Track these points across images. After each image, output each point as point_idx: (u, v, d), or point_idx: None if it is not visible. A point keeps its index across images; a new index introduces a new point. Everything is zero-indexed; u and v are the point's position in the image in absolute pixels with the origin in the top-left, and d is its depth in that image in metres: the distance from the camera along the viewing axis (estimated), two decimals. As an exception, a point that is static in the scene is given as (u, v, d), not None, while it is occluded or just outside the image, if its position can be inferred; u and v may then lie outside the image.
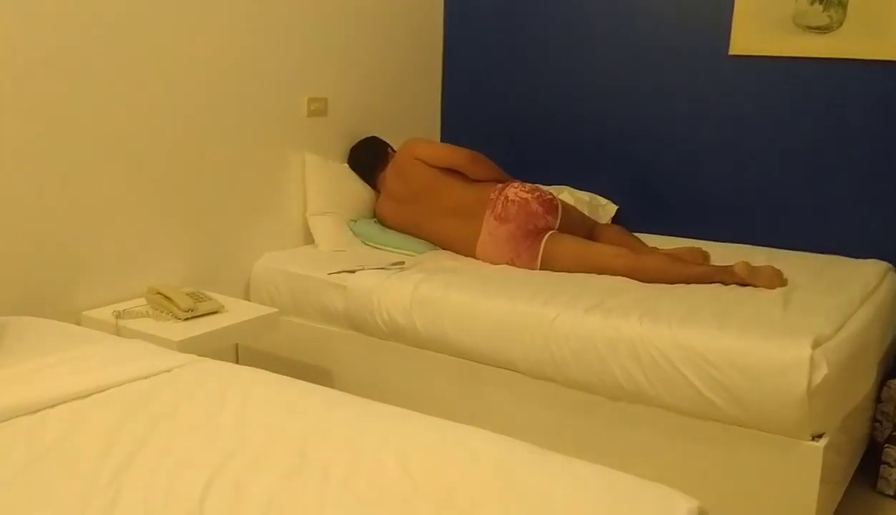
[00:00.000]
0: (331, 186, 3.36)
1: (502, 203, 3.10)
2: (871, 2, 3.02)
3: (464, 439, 1.60)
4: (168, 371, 1.92)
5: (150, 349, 2.07)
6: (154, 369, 1.92)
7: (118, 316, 2.52)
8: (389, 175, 3.39)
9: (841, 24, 3.08)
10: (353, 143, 3.53)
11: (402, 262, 3.02)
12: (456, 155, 3.29)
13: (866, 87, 3.11)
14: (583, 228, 3.21)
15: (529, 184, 3.23)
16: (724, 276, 2.80)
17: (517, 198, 3.10)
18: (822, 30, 3.12)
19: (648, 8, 3.52)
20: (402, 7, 3.76)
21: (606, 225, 3.40)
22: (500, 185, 3.19)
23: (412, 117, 3.92)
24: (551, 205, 3.13)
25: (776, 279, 2.78)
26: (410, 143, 3.38)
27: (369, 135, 3.57)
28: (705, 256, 3.09)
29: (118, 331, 2.47)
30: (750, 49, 3.28)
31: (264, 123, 3.13)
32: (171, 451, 1.55)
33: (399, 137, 3.55)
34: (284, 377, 1.90)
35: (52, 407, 1.73)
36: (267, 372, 1.93)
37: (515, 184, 3.19)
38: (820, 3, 3.09)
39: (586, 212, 3.47)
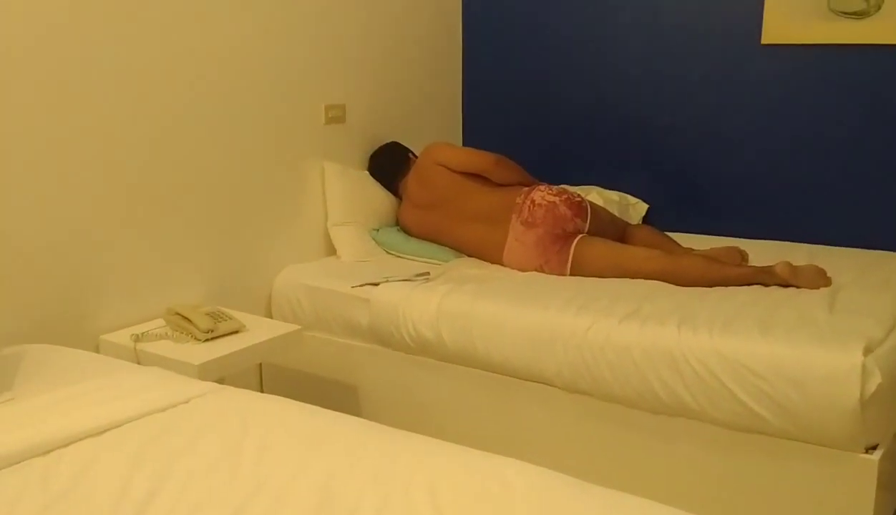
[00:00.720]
0: (352, 195, 3.27)
1: (529, 207, 3.00)
2: (911, -16, 2.89)
3: (498, 471, 1.50)
4: (186, 402, 1.84)
5: (167, 377, 1.99)
6: (172, 400, 1.84)
7: (137, 339, 2.45)
8: (411, 181, 3.29)
9: (879, 7, 2.94)
10: (373, 150, 3.44)
11: (427, 273, 2.92)
12: (479, 158, 3.19)
13: (907, 74, 2.98)
14: (613, 230, 3.10)
15: (556, 187, 3.13)
16: (765, 277, 2.68)
17: (544, 202, 3.00)
18: (859, 15, 2.98)
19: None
20: (419, 10, 3.66)
21: (638, 225, 3.29)
22: (526, 189, 3.09)
23: (433, 121, 3.82)
24: (580, 207, 3.02)
25: (820, 278, 2.66)
26: (432, 148, 3.28)
27: (390, 141, 3.47)
28: (743, 256, 2.96)
29: (137, 356, 2.40)
30: (783, 37, 3.15)
31: (281, 133, 3.05)
32: (189, 491, 1.47)
33: (420, 142, 3.45)
34: (307, 406, 1.81)
35: (66, 446, 1.65)
36: (288, 401, 1.84)
37: (542, 187, 3.09)
38: (857, -12, 2.96)
39: (616, 213, 3.36)
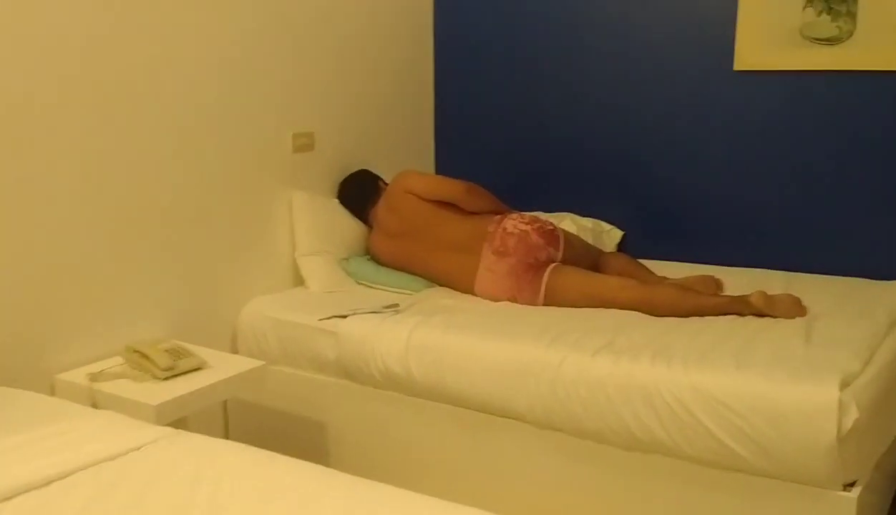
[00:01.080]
0: (320, 224, 3.20)
1: (500, 236, 2.94)
2: (881, 11, 2.87)
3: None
4: (138, 449, 1.75)
5: (120, 422, 1.91)
6: (123, 448, 1.76)
7: (93, 379, 2.35)
8: (382, 210, 3.23)
9: (851, 34, 2.92)
10: (343, 177, 3.37)
11: (397, 304, 2.85)
12: (450, 187, 3.13)
13: (881, 99, 2.95)
14: (588, 258, 3.05)
15: (528, 214, 3.08)
16: (740, 307, 2.63)
17: (516, 231, 2.94)
18: (832, 41, 2.96)
19: (647, 26, 3.36)
20: (390, 36, 3.61)
21: (613, 254, 3.23)
22: (497, 217, 3.04)
23: (404, 148, 3.76)
24: (552, 235, 2.97)
25: (795, 308, 2.61)
26: (402, 176, 3.22)
27: (360, 169, 3.41)
28: (719, 285, 2.92)
29: (93, 396, 2.31)
30: (756, 64, 3.12)
31: (248, 161, 2.97)
32: (134, 551, 1.39)
33: (391, 170, 3.39)
34: (265, 452, 1.73)
35: (9, 499, 1.57)
36: (245, 448, 1.76)
37: (514, 215, 3.03)
38: (828, 14, 2.93)
39: (590, 240, 3.31)
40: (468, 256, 2.99)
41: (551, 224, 3.04)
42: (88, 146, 2.45)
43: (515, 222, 2.98)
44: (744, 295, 2.67)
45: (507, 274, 2.89)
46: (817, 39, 2.98)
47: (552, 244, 2.95)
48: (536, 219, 3.02)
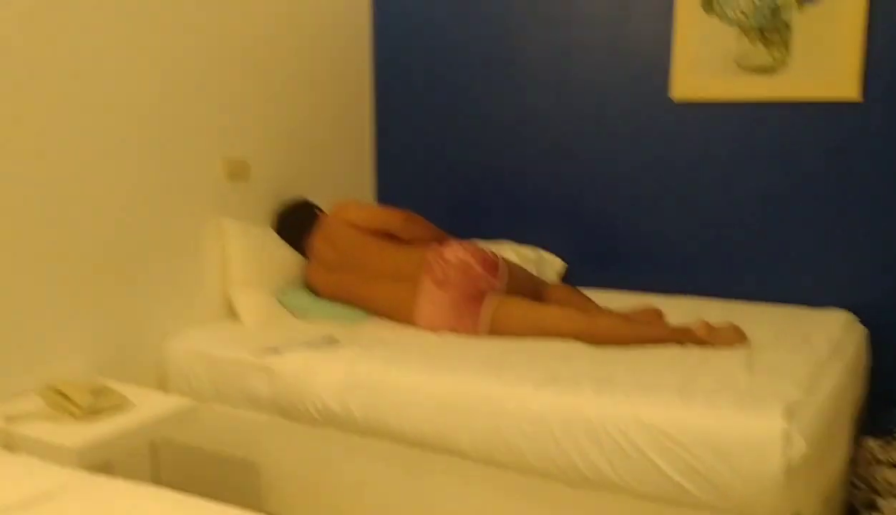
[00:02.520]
0: (254, 254, 3.08)
1: (441, 265, 2.88)
2: (814, 40, 2.90)
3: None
4: (50, 499, 1.62)
5: (34, 467, 1.77)
6: (34, 494, 1.62)
7: (8, 420, 2.20)
8: (318, 240, 3.13)
9: (785, 63, 2.95)
10: (279, 206, 3.27)
11: (335, 338, 2.74)
12: (388, 216, 3.07)
13: (816, 128, 2.98)
14: (530, 288, 3.00)
15: (469, 243, 3.02)
16: (682, 337, 2.61)
17: (456, 260, 2.88)
18: (767, 70, 2.98)
19: (584, 55, 3.35)
20: (328, 62, 3.54)
21: (555, 285, 3.19)
22: (436, 245, 2.97)
23: (343, 177, 3.68)
24: (493, 265, 2.91)
25: (736, 337, 2.60)
26: (339, 206, 3.14)
27: (296, 197, 3.31)
28: (660, 315, 2.89)
29: (9, 438, 2.16)
30: (693, 93, 3.13)
31: (175, 188, 2.84)
32: None
33: (329, 199, 3.31)
34: (189, 500, 1.62)
35: None
36: (168, 495, 1.64)
37: (454, 244, 2.97)
38: (763, 43, 2.96)
39: (532, 269, 3.27)
40: (407, 285, 2.92)
41: (492, 253, 2.99)
42: (13, 177, 2.32)
43: (455, 251, 2.92)
44: (685, 325, 2.65)
45: (449, 305, 2.83)
46: (753, 68, 3.00)
47: (493, 274, 2.89)
48: (478, 249, 2.97)
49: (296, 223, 3.23)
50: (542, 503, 2.26)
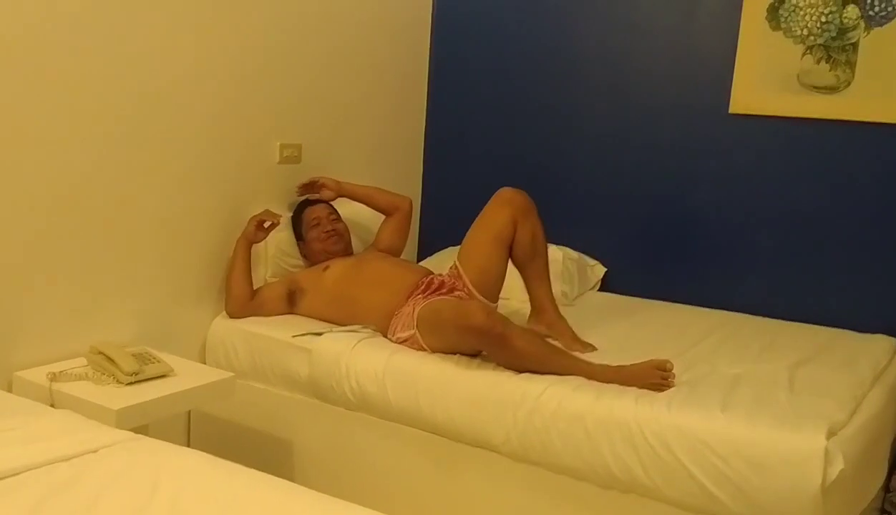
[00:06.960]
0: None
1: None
2: (880, 62, 2.86)
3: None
4: (95, 451, 1.66)
5: (78, 423, 1.81)
6: (79, 449, 1.66)
7: (53, 378, 2.25)
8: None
9: (849, 84, 2.91)
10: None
11: (376, 328, 2.75)
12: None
13: (875, 151, 2.93)
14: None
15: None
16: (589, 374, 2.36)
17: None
18: (829, 90, 2.94)
19: (645, 63, 3.34)
20: (386, 51, 3.56)
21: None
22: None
23: (392, 166, 3.70)
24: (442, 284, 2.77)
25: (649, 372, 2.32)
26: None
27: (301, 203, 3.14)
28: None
29: (52, 396, 2.20)
30: (751, 107, 3.10)
31: (230, 170, 2.89)
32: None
33: (379, 184, 3.30)
34: (227, 463, 1.64)
35: (-48, 494, 1.47)
36: (207, 457, 1.67)
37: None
38: (827, 63, 2.92)
39: (574, 272, 3.26)
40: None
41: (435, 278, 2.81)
42: (65, 142, 2.37)
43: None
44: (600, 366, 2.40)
45: None
46: (815, 87, 2.97)
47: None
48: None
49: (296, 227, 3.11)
50: (572, 503, 2.25)
